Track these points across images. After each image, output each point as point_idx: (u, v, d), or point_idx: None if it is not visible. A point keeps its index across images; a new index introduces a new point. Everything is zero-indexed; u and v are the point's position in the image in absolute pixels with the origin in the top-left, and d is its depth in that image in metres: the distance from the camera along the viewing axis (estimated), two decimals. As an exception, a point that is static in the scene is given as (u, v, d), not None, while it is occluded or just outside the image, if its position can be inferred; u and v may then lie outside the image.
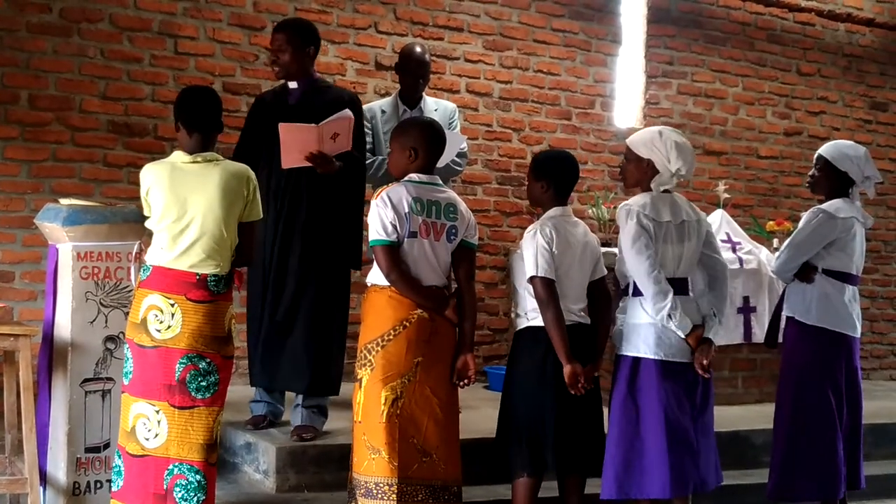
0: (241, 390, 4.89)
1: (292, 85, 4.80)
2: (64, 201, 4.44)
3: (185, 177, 3.82)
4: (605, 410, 4.19)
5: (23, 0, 5.77)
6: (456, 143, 5.30)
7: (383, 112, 5.42)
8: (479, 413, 5.10)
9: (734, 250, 6.35)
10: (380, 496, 3.81)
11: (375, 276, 3.98)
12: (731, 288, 6.20)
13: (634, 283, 4.10)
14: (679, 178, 4.18)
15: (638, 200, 4.13)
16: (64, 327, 4.19)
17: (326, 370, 4.68)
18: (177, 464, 3.78)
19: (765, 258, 6.36)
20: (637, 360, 4.08)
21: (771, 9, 7.99)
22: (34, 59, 5.80)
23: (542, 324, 4.03)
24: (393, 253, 3.89)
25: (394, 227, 3.88)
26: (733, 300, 6.23)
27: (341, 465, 4.26)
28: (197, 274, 3.79)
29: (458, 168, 5.59)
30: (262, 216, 4.07)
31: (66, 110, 5.87)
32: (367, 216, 4.06)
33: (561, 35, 7.30)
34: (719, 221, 6.54)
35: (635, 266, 4.04)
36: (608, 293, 4.27)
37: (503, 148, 7.13)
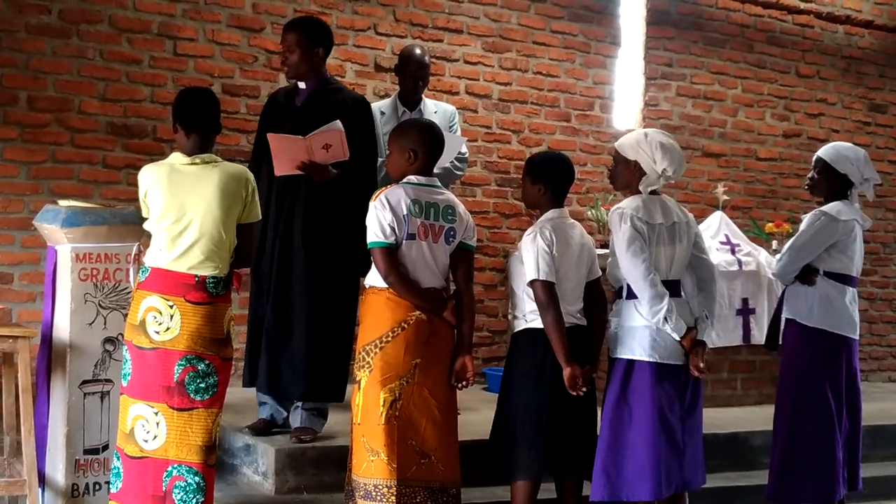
0: (240, 392, 4.88)
1: (302, 85, 4.79)
2: (63, 203, 4.44)
3: (184, 178, 3.82)
4: (599, 411, 4.19)
5: (22, 1, 5.77)
6: (455, 145, 5.30)
7: (382, 114, 5.41)
8: (478, 415, 5.08)
9: (733, 252, 6.35)
10: (379, 498, 3.81)
11: (374, 278, 3.97)
12: (730, 290, 6.29)
13: (628, 286, 4.09)
14: (667, 179, 4.17)
15: (630, 203, 4.12)
16: (63, 329, 4.19)
17: (327, 375, 4.62)
18: (176, 465, 3.78)
19: (764, 260, 6.35)
20: (631, 362, 4.07)
21: (770, 11, 7.99)
22: (33, 61, 5.80)
23: (540, 326, 4.03)
24: (391, 255, 3.89)
25: (392, 229, 3.88)
26: (732, 302, 6.24)
27: (340, 466, 4.25)
28: (196, 276, 3.79)
29: (459, 172, 5.59)
30: (260, 218, 4.06)
31: (65, 112, 5.87)
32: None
33: (560, 37, 7.30)
34: (718, 223, 6.53)
35: (631, 270, 4.04)
36: (604, 294, 4.26)
37: (502, 150, 7.13)
